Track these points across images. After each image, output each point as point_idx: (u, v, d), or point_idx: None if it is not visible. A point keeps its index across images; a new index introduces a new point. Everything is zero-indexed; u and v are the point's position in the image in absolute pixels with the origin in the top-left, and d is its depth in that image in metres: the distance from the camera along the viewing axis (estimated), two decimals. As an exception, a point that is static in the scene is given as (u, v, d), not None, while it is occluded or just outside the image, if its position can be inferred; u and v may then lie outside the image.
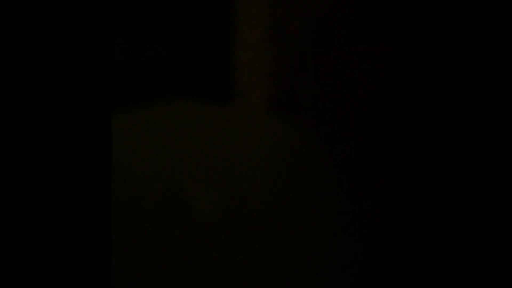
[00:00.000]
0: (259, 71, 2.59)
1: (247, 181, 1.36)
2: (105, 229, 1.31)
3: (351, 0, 2.25)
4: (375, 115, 2.19)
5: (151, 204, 1.31)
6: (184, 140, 1.37)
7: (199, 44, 2.90)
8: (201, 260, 1.18)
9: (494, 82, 2.21)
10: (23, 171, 1.39)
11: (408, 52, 2.19)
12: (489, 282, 2.09)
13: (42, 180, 1.38)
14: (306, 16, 2.43)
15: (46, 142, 1.36)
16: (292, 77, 2.46)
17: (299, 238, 1.32)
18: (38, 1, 1.38)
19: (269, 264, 1.25)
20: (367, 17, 2.26)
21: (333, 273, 1.37)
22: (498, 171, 2.21)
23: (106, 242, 1.28)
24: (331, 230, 1.46)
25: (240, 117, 1.48)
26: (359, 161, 2.18)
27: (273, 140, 1.52)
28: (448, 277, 2.13)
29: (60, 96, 1.42)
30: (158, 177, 1.30)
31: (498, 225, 2.17)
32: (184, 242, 1.19)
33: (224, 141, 1.39)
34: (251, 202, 1.31)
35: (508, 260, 2.07)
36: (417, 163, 2.23)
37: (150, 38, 2.85)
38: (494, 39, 2.18)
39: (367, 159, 2.19)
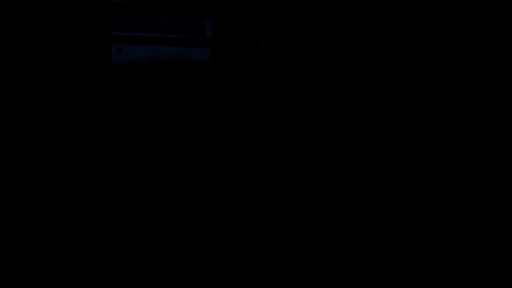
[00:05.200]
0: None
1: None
2: (105, 226, 1.33)
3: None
4: (380, 108, 2.21)
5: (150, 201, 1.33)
6: (184, 136, 1.39)
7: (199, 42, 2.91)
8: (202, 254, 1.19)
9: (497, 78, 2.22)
10: (25, 166, 1.40)
11: (413, 49, 2.19)
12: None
13: (43, 177, 1.40)
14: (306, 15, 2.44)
15: (47, 138, 1.38)
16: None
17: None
18: (42, 4, 1.40)
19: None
20: (372, 14, 2.27)
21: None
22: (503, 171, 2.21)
23: (106, 240, 1.30)
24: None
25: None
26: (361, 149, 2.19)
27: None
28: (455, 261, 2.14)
29: (61, 95, 1.44)
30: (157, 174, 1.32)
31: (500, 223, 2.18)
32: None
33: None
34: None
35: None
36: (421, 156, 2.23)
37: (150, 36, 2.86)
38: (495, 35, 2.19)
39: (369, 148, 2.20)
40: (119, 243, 2.12)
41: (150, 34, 2.72)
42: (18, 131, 1.41)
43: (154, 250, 2.30)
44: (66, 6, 1.53)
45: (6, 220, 1.40)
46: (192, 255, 2.43)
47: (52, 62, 1.53)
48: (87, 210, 1.40)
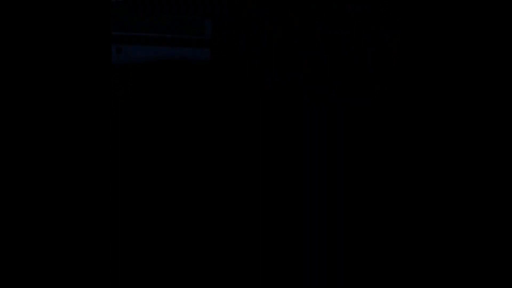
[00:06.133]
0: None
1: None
2: (105, 225, 1.33)
3: None
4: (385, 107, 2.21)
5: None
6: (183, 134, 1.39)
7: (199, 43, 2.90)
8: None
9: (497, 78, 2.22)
10: (26, 166, 1.41)
11: (417, 47, 2.19)
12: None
13: (43, 176, 1.40)
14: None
15: (47, 138, 1.38)
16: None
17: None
18: (47, 10, 1.41)
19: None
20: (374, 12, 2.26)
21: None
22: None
23: (105, 239, 1.30)
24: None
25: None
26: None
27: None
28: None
29: (61, 94, 1.45)
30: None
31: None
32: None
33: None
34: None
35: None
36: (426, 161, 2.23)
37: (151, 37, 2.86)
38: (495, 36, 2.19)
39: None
40: (119, 243, 2.12)
41: (150, 34, 2.73)
42: (18, 131, 1.41)
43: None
44: (66, 6, 1.53)
45: (6, 219, 1.40)
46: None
47: (52, 62, 1.53)
48: (86, 209, 1.40)
